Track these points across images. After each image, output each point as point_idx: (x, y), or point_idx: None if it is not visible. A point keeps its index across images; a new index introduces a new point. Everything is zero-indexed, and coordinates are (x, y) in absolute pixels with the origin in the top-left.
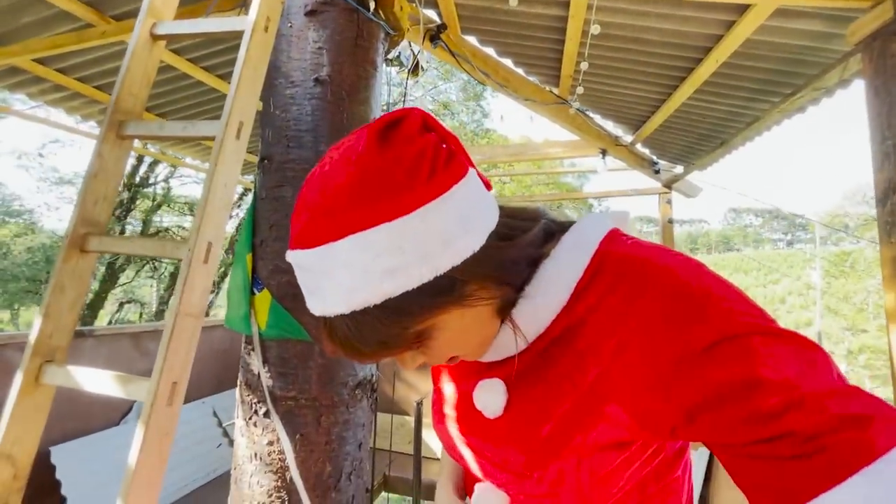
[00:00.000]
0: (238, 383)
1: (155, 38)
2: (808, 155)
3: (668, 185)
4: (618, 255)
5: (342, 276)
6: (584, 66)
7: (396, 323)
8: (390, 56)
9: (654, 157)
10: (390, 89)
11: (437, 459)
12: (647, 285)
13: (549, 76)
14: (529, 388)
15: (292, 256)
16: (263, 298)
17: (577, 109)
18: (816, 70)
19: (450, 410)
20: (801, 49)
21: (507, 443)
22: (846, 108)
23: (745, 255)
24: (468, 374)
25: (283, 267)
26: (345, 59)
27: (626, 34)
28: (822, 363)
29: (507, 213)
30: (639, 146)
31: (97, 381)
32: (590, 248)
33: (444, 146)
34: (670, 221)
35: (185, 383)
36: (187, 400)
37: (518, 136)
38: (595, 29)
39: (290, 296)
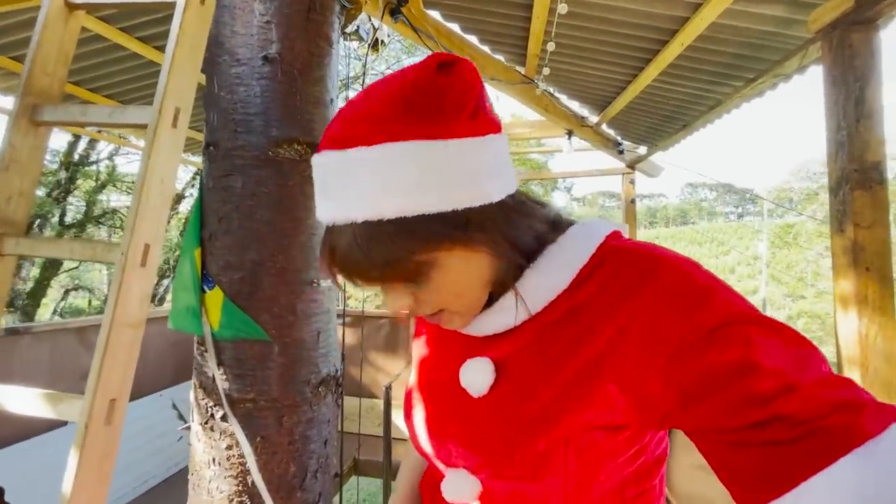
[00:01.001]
0: (192, 386)
1: (71, 6)
2: (759, 132)
3: (632, 166)
4: (622, 248)
5: (367, 182)
6: (550, 46)
7: (404, 245)
8: (348, 30)
9: (619, 138)
10: (350, 62)
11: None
12: (652, 274)
13: (514, 55)
14: (521, 368)
15: (319, 157)
16: (214, 297)
17: (544, 90)
18: (778, 56)
19: (428, 395)
20: (763, 34)
21: (492, 421)
22: (797, 88)
23: (699, 228)
24: (454, 355)
25: (234, 263)
26: (296, 35)
27: (593, 13)
28: (815, 356)
29: (522, 192)
30: (604, 127)
31: (21, 400)
32: (596, 239)
33: (488, 99)
34: (633, 201)
35: (126, 398)
36: (144, 394)
37: None
38: (562, 8)
39: (244, 294)
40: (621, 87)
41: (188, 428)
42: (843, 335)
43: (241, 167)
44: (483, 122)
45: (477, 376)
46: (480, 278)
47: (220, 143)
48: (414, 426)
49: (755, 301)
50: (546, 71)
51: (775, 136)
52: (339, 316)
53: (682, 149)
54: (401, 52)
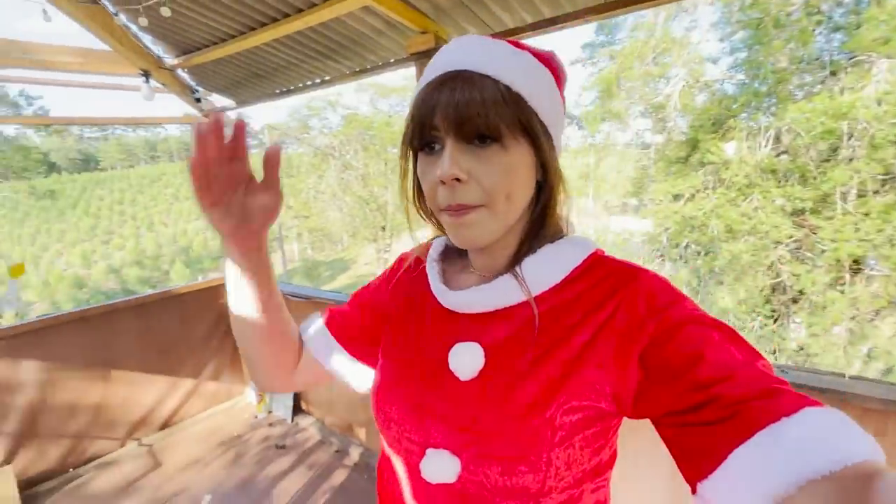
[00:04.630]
0: None
1: None
2: None
3: (208, 114)
4: (609, 259)
5: (502, 60)
6: None
7: (501, 101)
8: None
9: (196, 86)
10: None
11: None
12: (636, 278)
13: None
14: (510, 354)
15: (483, 38)
16: None
17: (125, 24)
18: (379, 60)
19: (409, 374)
20: (369, 37)
21: (481, 404)
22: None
23: None
24: (440, 337)
25: None
26: None
27: None
28: (757, 357)
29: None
30: (180, 72)
31: None
32: (588, 249)
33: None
34: None
35: None
36: None
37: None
38: None
39: None
40: (221, 39)
41: None
42: None
43: None
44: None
45: (466, 360)
46: (524, 194)
47: None
48: (386, 401)
49: None
50: (166, 12)
51: None
52: None
53: (269, 106)
54: None
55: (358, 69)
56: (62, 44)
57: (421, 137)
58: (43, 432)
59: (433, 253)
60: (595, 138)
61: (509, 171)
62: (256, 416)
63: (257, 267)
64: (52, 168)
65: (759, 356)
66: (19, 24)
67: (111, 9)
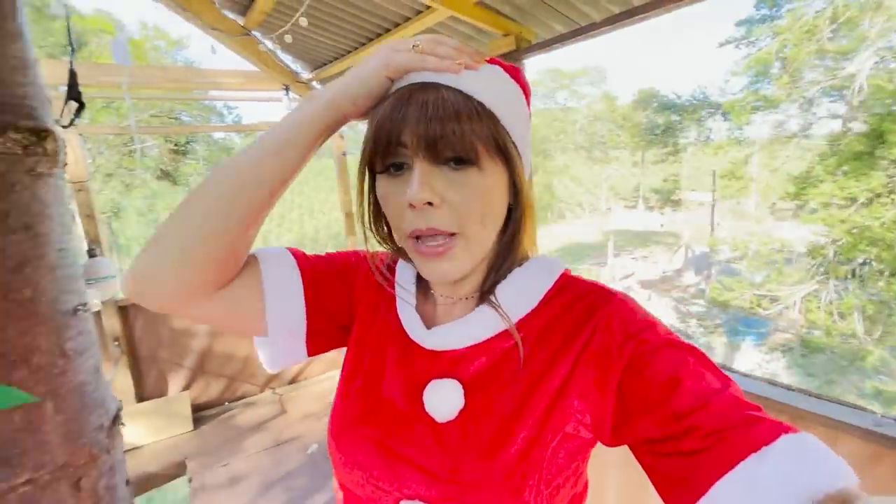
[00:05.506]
0: None
1: None
2: None
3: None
4: (579, 280)
5: (474, 74)
6: (303, 21)
7: (477, 119)
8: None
9: None
10: None
11: None
12: (608, 301)
13: (237, 4)
14: (490, 391)
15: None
16: None
17: (271, 47)
18: None
19: (376, 414)
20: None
21: (462, 449)
22: None
23: None
24: (412, 373)
25: None
26: None
27: None
28: (730, 383)
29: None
30: (315, 83)
31: None
32: (557, 269)
33: None
34: (344, 154)
35: None
36: None
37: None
38: None
39: None
40: (341, 55)
41: None
42: None
43: None
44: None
45: (443, 400)
46: (498, 219)
47: None
48: (349, 442)
49: None
50: (288, 39)
51: None
52: None
53: None
54: None
55: None
56: (228, 68)
57: (385, 157)
58: (208, 371)
59: (404, 282)
60: (742, 131)
61: (485, 195)
62: None
63: (327, 137)
64: None
65: (730, 381)
66: (202, 58)
67: (259, 38)
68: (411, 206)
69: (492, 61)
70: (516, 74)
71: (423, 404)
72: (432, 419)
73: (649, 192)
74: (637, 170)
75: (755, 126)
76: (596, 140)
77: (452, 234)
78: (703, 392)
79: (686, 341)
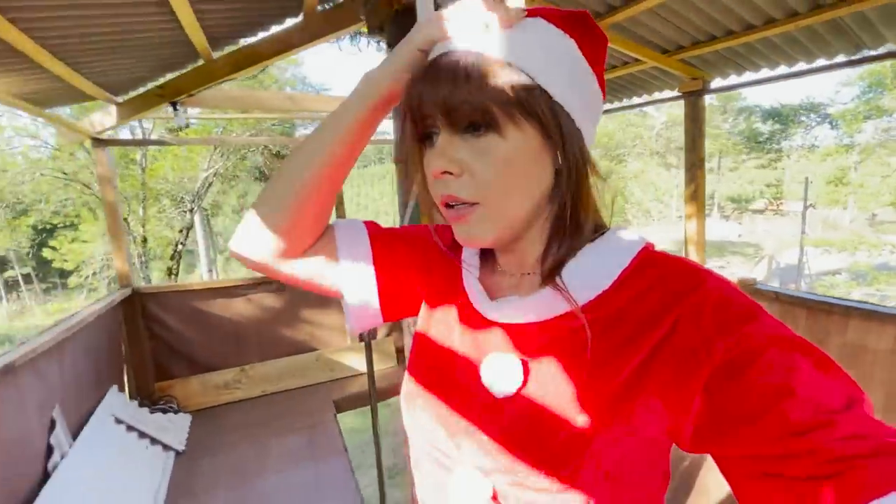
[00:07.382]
0: None
1: None
2: None
3: None
4: (662, 257)
5: (500, 39)
6: None
7: (487, 78)
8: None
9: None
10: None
11: None
12: (699, 286)
13: None
14: (553, 370)
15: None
16: None
17: None
18: (649, 95)
19: (439, 386)
20: (649, 81)
21: (517, 427)
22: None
23: None
24: (474, 345)
25: None
26: None
27: None
28: (857, 395)
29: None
30: None
31: None
32: (637, 245)
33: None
34: None
35: None
36: None
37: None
38: None
39: None
40: None
41: None
42: None
43: None
44: (602, 84)
45: (502, 374)
46: (530, 188)
47: None
48: (413, 412)
49: None
50: None
51: None
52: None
53: None
54: None
55: (634, 103)
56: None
57: (418, 128)
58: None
59: (467, 253)
60: (853, 139)
61: (507, 163)
62: None
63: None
64: None
65: (859, 390)
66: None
67: None
68: (433, 175)
69: (535, 12)
70: (570, 23)
71: (479, 377)
72: (489, 393)
73: (724, 200)
74: (712, 177)
75: (866, 134)
76: (672, 146)
77: (474, 204)
78: (823, 406)
79: (800, 337)
